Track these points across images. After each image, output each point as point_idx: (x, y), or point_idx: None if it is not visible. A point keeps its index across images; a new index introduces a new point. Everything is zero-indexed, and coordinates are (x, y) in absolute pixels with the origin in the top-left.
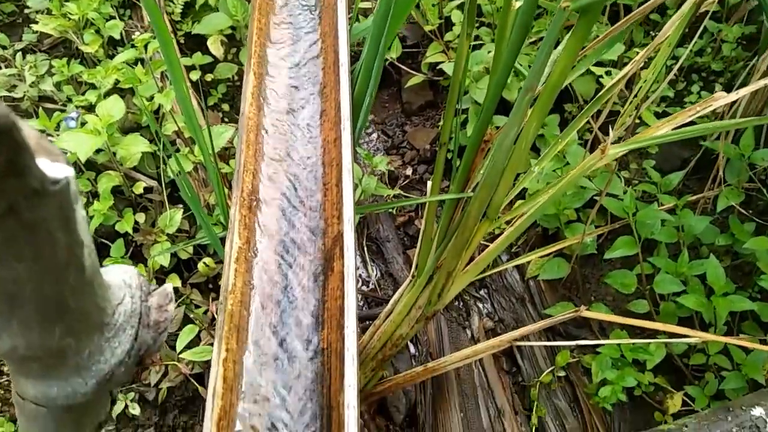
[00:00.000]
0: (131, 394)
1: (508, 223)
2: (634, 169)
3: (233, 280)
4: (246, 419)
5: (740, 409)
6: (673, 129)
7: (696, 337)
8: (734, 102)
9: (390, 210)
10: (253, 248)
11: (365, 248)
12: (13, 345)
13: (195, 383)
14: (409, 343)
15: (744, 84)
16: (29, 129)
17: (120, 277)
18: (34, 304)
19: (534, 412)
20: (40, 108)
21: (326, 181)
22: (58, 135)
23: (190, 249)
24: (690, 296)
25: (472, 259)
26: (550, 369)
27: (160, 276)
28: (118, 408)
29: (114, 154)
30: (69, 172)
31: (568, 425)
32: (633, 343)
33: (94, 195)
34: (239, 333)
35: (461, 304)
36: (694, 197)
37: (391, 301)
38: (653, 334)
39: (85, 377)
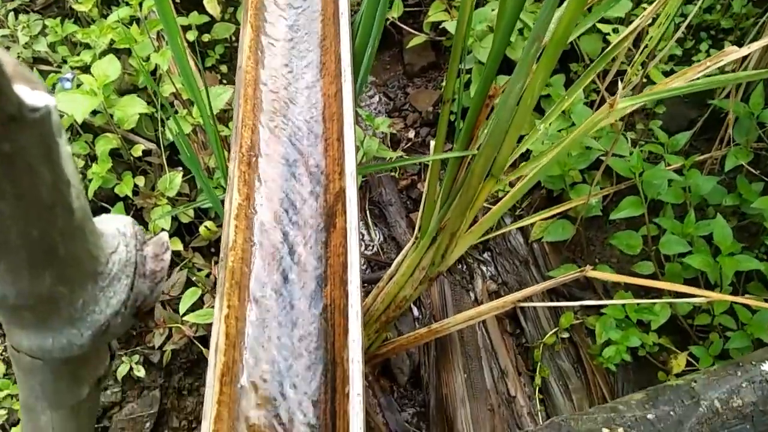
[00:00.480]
0: (136, 357)
1: (512, 186)
2: (640, 129)
3: (233, 237)
4: (249, 375)
5: (750, 365)
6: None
7: (702, 296)
8: (745, 58)
9: (392, 173)
10: (253, 205)
11: (368, 212)
12: (3, 293)
13: (199, 345)
14: (412, 306)
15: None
16: (5, 54)
17: (114, 226)
18: (22, 248)
19: (537, 373)
20: (35, 69)
21: (327, 136)
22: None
23: (191, 213)
24: (696, 256)
25: (475, 220)
26: (553, 330)
27: None
28: (123, 370)
29: (111, 116)
30: (50, 100)
31: (572, 385)
32: (638, 304)
33: (92, 158)
34: (240, 290)
35: (465, 267)
36: (702, 157)
37: (395, 263)
38: (658, 295)
39: (80, 328)
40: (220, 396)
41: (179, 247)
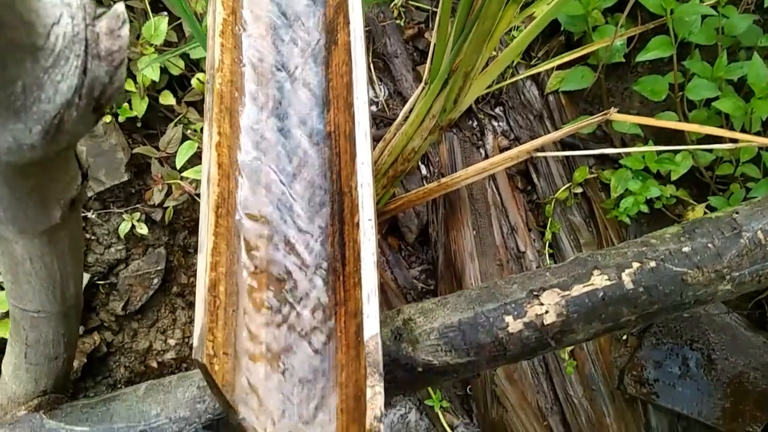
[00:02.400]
0: (137, 215)
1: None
2: None
3: (220, 56)
4: (246, 207)
5: None
6: None
7: (734, 138)
8: None
9: (398, 21)
10: (240, 20)
11: (371, 65)
12: None
13: None
14: (420, 164)
15: None
16: None
17: None
18: None
19: (548, 228)
20: None
21: None
22: None
23: (182, 64)
24: (725, 100)
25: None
26: (566, 186)
27: (152, 94)
28: (125, 228)
29: None
30: None
31: (582, 240)
32: (658, 153)
33: None
34: (232, 116)
35: (475, 123)
36: None
37: (402, 112)
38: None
39: (26, 122)
40: (216, 228)
41: (172, 101)
